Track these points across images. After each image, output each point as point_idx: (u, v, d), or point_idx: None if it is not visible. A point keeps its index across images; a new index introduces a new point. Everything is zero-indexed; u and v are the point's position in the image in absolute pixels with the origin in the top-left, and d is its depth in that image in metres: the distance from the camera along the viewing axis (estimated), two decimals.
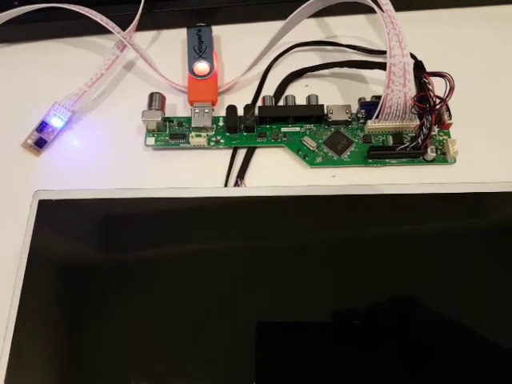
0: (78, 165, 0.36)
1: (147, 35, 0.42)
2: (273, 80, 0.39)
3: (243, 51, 0.38)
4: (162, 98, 0.37)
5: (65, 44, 0.42)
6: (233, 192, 0.31)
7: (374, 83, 0.38)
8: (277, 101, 0.37)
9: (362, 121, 0.36)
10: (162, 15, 0.41)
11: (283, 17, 0.36)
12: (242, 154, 0.36)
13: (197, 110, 0.36)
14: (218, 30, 0.40)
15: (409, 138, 0.35)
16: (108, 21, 0.38)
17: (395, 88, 0.33)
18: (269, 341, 0.27)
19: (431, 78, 0.33)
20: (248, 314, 0.27)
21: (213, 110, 0.36)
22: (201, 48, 0.38)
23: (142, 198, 0.30)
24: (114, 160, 0.36)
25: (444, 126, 0.35)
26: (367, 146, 0.35)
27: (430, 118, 0.33)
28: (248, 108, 0.36)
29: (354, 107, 0.36)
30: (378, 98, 0.34)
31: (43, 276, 0.29)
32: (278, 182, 0.33)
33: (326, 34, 0.41)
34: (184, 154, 0.36)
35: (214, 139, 0.36)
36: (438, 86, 0.33)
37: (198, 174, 0.35)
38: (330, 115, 0.35)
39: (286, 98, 0.37)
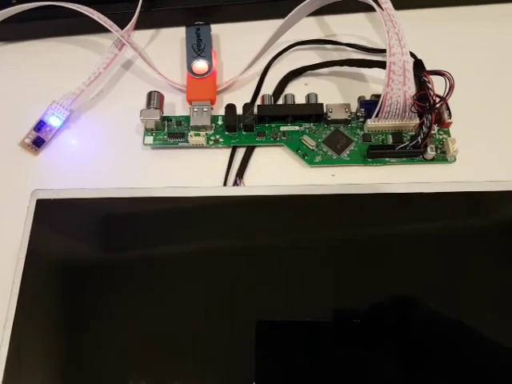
0: (76, 164, 0.36)
1: (146, 34, 0.42)
2: (272, 79, 0.39)
3: (242, 50, 0.38)
4: (161, 97, 0.37)
5: (63, 43, 0.42)
6: (232, 191, 0.31)
7: (373, 82, 0.38)
8: (276, 99, 0.37)
9: (361, 120, 0.36)
10: (160, 14, 0.41)
11: (282, 15, 0.36)
12: (241, 153, 0.36)
13: (195, 109, 0.36)
14: (216, 29, 0.40)
15: (408, 137, 0.35)
16: (106, 19, 0.38)
17: (395, 87, 0.32)
18: (269, 340, 0.26)
19: (431, 76, 0.33)
20: (248, 314, 0.27)
21: (212, 108, 0.36)
22: (199, 46, 0.38)
23: (140, 197, 0.30)
24: (113, 159, 0.36)
25: (444, 125, 0.35)
26: (367, 144, 0.35)
27: (429, 116, 0.33)
28: (247, 107, 0.35)
29: (354, 106, 0.36)
30: (378, 96, 0.34)
31: (41, 275, 0.29)
32: (277, 181, 0.33)
33: (326, 32, 0.41)
34: (183, 153, 0.36)
35: (212, 138, 0.36)
36: (438, 85, 0.33)
37: (197, 173, 0.35)
38: (329, 114, 0.35)
39: (286, 96, 0.37)
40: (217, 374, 0.27)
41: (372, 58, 0.37)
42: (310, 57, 0.40)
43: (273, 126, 0.36)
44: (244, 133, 0.36)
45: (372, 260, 0.28)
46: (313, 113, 0.35)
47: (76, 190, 0.30)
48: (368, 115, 0.35)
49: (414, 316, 0.27)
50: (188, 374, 0.27)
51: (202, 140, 0.35)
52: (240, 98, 0.37)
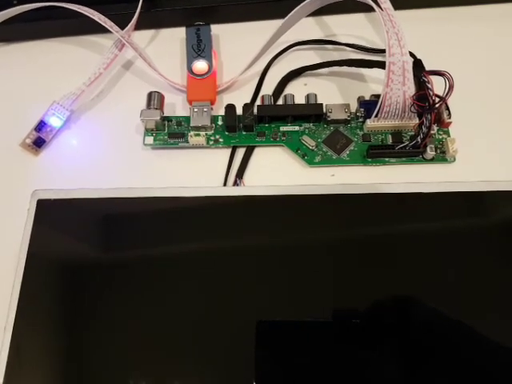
0: (77, 164, 0.36)
1: (146, 34, 0.42)
2: (272, 79, 0.39)
3: (242, 50, 0.38)
4: (161, 97, 0.37)
5: (63, 43, 0.42)
6: (232, 191, 0.31)
7: (373, 82, 0.38)
8: (276, 100, 0.37)
9: (361, 120, 0.36)
10: (160, 14, 0.41)
11: (282, 15, 0.36)
12: (240, 153, 0.36)
13: (196, 109, 0.36)
14: (216, 29, 0.40)
15: (408, 137, 0.35)
16: (106, 20, 0.38)
17: (394, 87, 0.32)
18: (269, 340, 0.26)
19: (430, 76, 0.33)
20: (248, 314, 0.27)
21: (212, 109, 0.36)
22: (199, 47, 0.38)
23: (140, 197, 0.30)
24: (113, 159, 0.36)
25: (443, 125, 0.35)
26: (366, 144, 0.35)
27: (429, 116, 0.33)
28: (247, 107, 0.35)
29: (353, 106, 0.36)
30: (377, 96, 0.34)
31: (42, 276, 0.29)
32: (276, 181, 0.33)
33: (325, 32, 0.41)
34: (183, 154, 0.36)
35: (212, 138, 0.36)
36: (438, 85, 0.33)
37: (197, 173, 0.35)
38: (329, 114, 0.35)
39: (285, 96, 0.37)
40: (217, 374, 0.27)
41: (371, 58, 0.37)
42: (309, 57, 0.40)
43: (272, 126, 0.36)
44: (244, 133, 0.36)
45: (372, 260, 0.28)
46: (312, 113, 0.35)
47: (76, 190, 0.30)
48: (367, 115, 0.35)
49: (413, 316, 0.27)
50: (188, 374, 0.27)
51: (202, 140, 0.35)
52: (240, 98, 0.37)
